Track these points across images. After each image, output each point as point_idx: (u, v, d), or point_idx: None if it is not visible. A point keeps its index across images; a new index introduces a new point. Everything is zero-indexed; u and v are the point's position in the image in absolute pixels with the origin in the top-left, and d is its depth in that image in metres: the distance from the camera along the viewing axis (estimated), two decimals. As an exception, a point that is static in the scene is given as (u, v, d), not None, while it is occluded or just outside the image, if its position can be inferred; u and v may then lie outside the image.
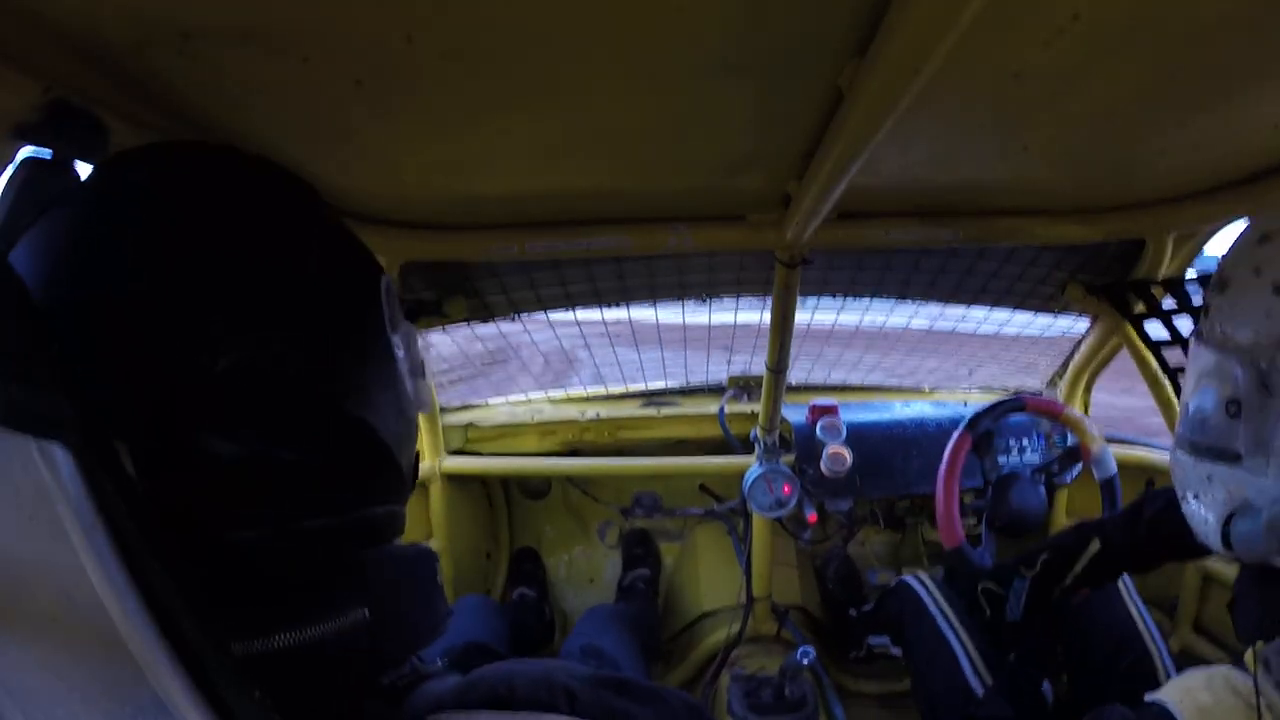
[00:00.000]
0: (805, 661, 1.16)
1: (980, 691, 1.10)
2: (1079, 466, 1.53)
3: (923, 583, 1.33)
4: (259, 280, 0.38)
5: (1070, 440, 1.39)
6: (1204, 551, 0.71)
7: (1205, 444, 0.65)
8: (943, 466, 1.23)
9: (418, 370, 0.49)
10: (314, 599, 0.36)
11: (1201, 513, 0.67)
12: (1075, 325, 1.51)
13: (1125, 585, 1.22)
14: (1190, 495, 0.68)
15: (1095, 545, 1.02)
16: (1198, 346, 0.67)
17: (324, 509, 0.38)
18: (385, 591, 0.39)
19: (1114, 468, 1.26)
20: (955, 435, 1.26)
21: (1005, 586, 1.11)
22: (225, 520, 0.35)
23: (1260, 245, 0.62)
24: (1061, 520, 1.67)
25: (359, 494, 0.41)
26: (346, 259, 0.45)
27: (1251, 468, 0.60)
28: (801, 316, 1.37)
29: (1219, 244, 1.17)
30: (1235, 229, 0.84)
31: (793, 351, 1.38)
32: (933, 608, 1.27)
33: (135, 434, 0.32)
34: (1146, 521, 0.97)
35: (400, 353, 0.46)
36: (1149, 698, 0.64)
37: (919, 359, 1.80)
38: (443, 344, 1.60)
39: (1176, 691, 0.62)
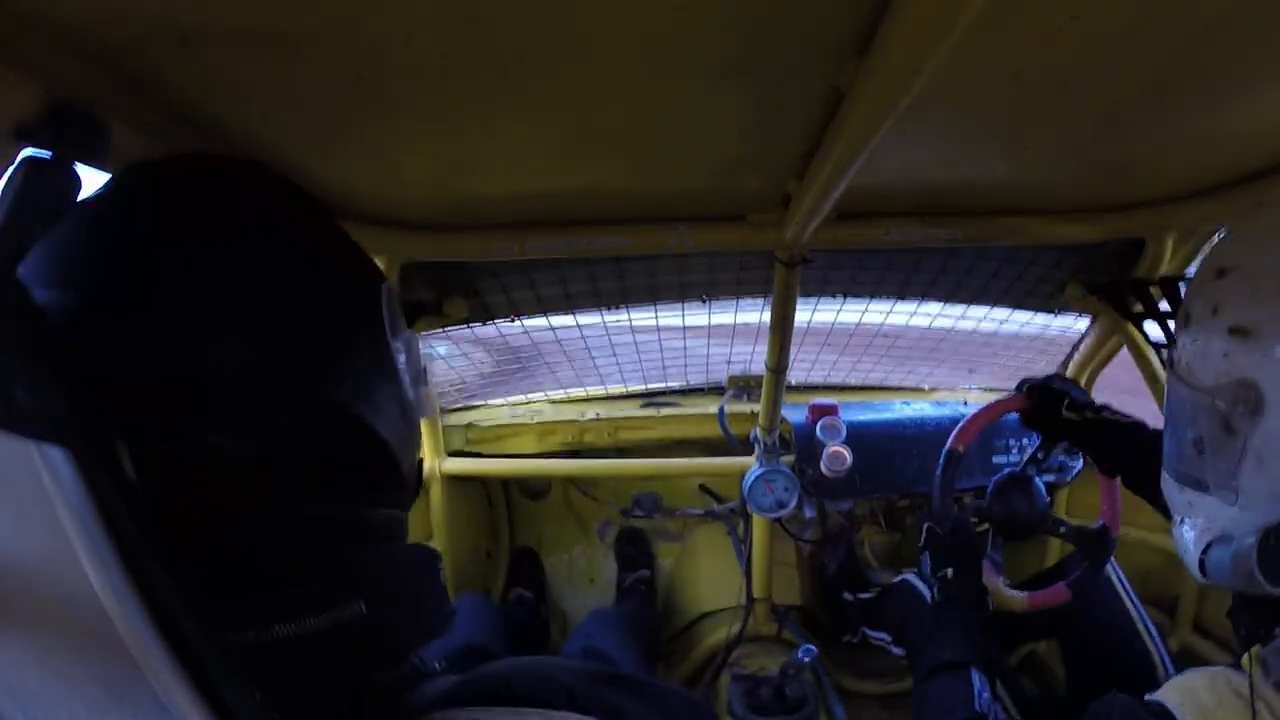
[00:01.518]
0: (807, 659, 1.16)
1: (985, 693, 1.09)
2: (1079, 462, 1.53)
3: (925, 581, 1.33)
4: (254, 283, 0.38)
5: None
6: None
7: (1183, 472, 0.66)
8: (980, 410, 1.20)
9: (419, 377, 0.50)
10: (309, 592, 0.36)
11: (1185, 537, 0.67)
12: (1076, 324, 1.51)
13: (1122, 586, 1.22)
14: (1179, 519, 0.69)
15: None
16: (1169, 375, 0.67)
17: (321, 506, 0.39)
18: (381, 587, 0.39)
19: None
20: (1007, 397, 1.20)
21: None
22: (220, 515, 0.35)
23: (1217, 281, 0.61)
24: (1061, 520, 1.67)
25: (357, 494, 0.42)
26: (345, 264, 0.46)
27: (1222, 499, 0.61)
28: (801, 316, 1.36)
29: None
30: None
31: (793, 351, 1.38)
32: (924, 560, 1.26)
33: (134, 433, 0.32)
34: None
35: (401, 358, 0.47)
36: (1149, 698, 0.64)
37: (919, 358, 1.80)
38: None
39: (1177, 692, 0.62)
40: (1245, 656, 0.59)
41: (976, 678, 0.92)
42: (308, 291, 0.41)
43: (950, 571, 1.08)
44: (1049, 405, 1.11)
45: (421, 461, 0.52)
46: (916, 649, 1.27)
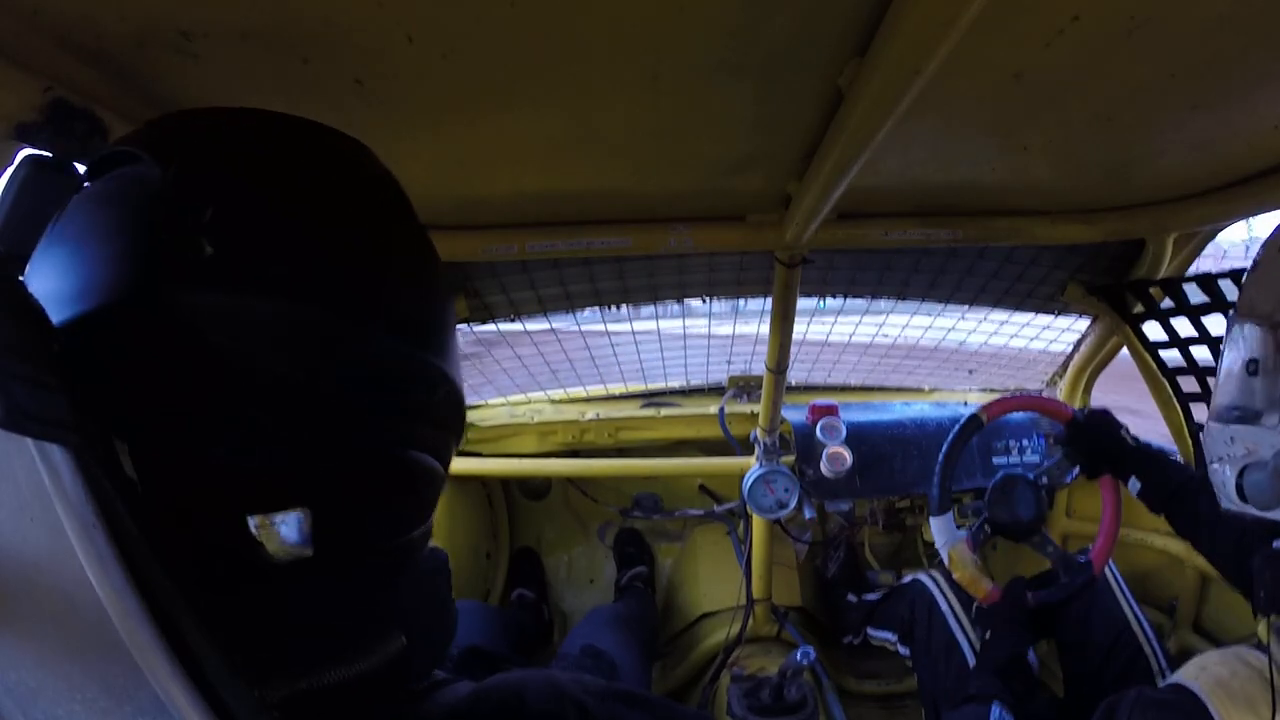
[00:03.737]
0: (805, 661, 1.16)
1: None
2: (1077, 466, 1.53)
3: (936, 582, 1.32)
4: (293, 279, 0.34)
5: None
6: None
7: (1228, 405, 0.72)
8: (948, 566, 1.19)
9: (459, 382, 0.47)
10: (361, 634, 0.35)
11: (1222, 472, 0.72)
12: (1076, 324, 1.51)
13: (1119, 585, 1.22)
14: (1215, 461, 0.74)
15: None
16: (1231, 321, 0.75)
17: (371, 536, 0.37)
18: (415, 615, 0.38)
19: None
20: (946, 537, 1.19)
21: None
22: (231, 527, 0.34)
23: None
24: (1061, 521, 1.67)
25: (407, 519, 0.39)
26: (416, 267, 0.41)
27: (1267, 424, 0.67)
28: (800, 324, 1.36)
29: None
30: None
31: (793, 352, 1.38)
32: (945, 608, 1.26)
33: (141, 435, 0.32)
34: None
35: (456, 371, 0.43)
36: (1163, 683, 0.66)
37: (919, 359, 1.80)
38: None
39: (1193, 669, 0.67)
40: (1261, 625, 0.63)
41: (997, 709, 0.96)
42: (360, 291, 0.36)
43: (989, 634, 1.13)
44: (1104, 428, 1.13)
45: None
46: (925, 651, 1.27)
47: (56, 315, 0.31)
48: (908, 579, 1.42)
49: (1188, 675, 0.66)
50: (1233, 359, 0.73)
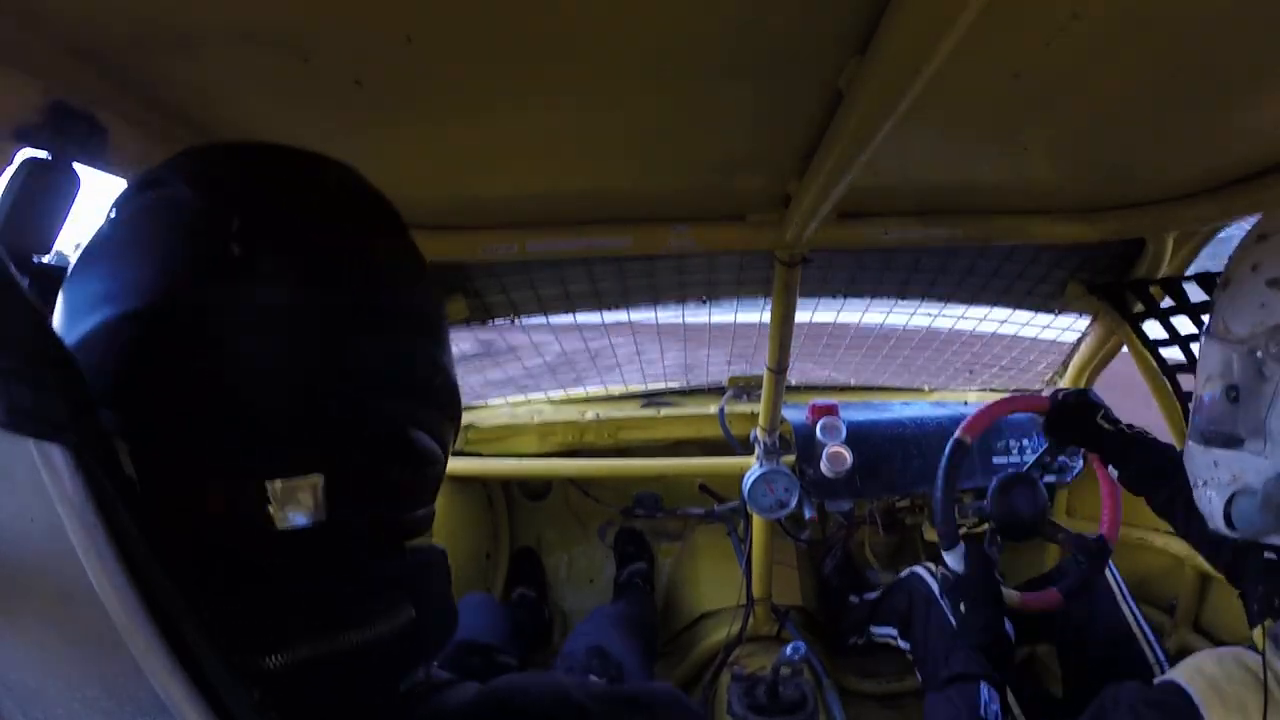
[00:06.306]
0: (796, 656, 1.16)
1: (994, 705, 1.10)
2: (1079, 463, 1.53)
3: (933, 574, 1.32)
4: (306, 283, 0.37)
5: None
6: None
7: (1211, 430, 0.69)
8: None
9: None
10: (373, 601, 0.36)
11: (1208, 495, 0.70)
12: (1076, 323, 1.51)
13: (1120, 589, 1.22)
14: (1200, 482, 0.72)
15: None
16: (1206, 342, 0.71)
17: (377, 510, 0.39)
18: (425, 591, 0.40)
19: None
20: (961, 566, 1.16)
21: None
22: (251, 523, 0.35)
23: (1258, 244, 0.66)
24: (1061, 520, 1.67)
25: (411, 496, 0.41)
26: (408, 268, 0.46)
27: (1251, 450, 0.64)
28: (801, 315, 1.36)
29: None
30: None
31: (793, 352, 1.38)
32: (943, 600, 1.26)
33: (147, 438, 0.32)
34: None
35: (450, 363, 0.46)
36: (1159, 679, 0.65)
37: (919, 360, 1.80)
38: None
39: (1186, 669, 0.65)
40: (1257, 630, 0.61)
41: (985, 690, 0.96)
42: (366, 295, 0.40)
43: (964, 606, 1.11)
44: (1081, 413, 1.09)
45: None
46: (923, 644, 1.27)
47: (99, 315, 0.34)
48: (904, 573, 1.42)
49: (1183, 675, 0.64)
50: (1211, 381, 0.69)
